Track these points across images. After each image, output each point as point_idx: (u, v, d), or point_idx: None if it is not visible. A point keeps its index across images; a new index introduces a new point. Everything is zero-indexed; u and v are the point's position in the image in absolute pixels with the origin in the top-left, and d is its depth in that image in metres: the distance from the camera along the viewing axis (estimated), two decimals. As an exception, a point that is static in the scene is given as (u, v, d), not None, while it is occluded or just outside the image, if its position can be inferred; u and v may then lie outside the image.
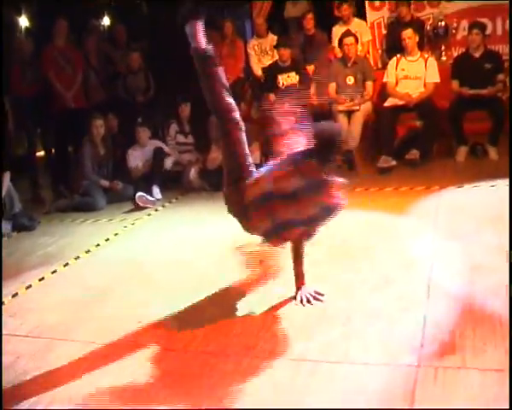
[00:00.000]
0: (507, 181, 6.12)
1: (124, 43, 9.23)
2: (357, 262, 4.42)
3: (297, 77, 8.20)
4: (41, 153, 8.82)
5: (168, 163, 7.78)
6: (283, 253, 4.09)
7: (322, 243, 4.39)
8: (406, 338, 3.30)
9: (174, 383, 3.15)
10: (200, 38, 4.04)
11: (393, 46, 8.30)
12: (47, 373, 3.38)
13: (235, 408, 2.75)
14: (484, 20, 8.19)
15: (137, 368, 3.34)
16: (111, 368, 3.38)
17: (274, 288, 4.17)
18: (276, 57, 8.54)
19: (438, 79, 7.62)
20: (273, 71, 8.35)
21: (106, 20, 12.09)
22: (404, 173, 7.08)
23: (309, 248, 3.90)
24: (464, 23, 8.39)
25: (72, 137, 8.35)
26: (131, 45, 9.12)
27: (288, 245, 3.87)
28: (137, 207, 6.96)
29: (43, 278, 4.98)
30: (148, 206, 7.01)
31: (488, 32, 8.16)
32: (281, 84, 8.22)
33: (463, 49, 7.94)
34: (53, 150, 8.72)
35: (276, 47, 8.42)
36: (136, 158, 7.77)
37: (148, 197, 7.11)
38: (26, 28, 11.94)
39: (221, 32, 9.01)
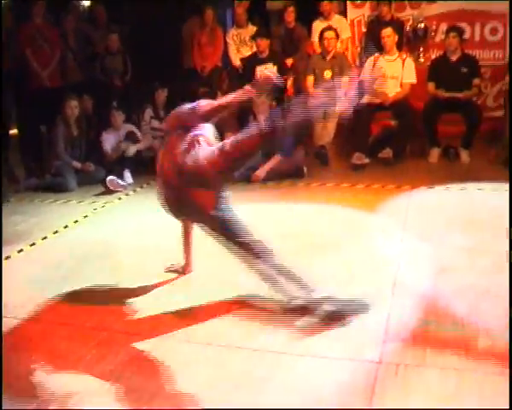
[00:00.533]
0: (477, 184, 6.23)
1: (103, 24, 9.14)
2: (325, 257, 4.44)
3: (274, 68, 8.18)
4: (14, 130, 8.71)
5: (132, 150, 7.68)
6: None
7: (290, 236, 4.41)
8: (369, 334, 3.33)
9: (137, 367, 3.14)
10: None
11: (372, 44, 8.33)
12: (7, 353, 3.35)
13: (234, 408, 2.74)
14: (463, 24, 8.27)
15: (101, 351, 3.32)
16: (74, 350, 3.36)
17: (240, 278, 4.17)
18: (255, 49, 8.53)
19: (414, 80, 7.67)
20: (251, 62, 8.33)
21: (86, 1, 11.96)
22: (376, 171, 7.12)
23: (277, 240, 3.90)
24: (443, 26, 8.42)
25: (46, 116, 8.26)
26: (111, 27, 9.04)
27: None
28: (108, 191, 6.91)
29: (8, 257, 4.93)
30: (119, 190, 6.96)
31: (466, 36, 8.25)
32: (258, 75, 8.18)
33: (441, 52, 8.00)
34: (26, 128, 8.62)
35: (254, 37, 8.39)
36: (110, 141, 7.70)
37: (119, 181, 7.06)
38: (6, 4, 11.78)
39: (202, 18, 8.98)
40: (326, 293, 3.55)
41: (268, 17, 9.67)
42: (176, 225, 4.77)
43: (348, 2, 9.10)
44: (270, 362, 3.11)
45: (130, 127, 7.88)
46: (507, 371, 2.85)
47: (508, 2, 8.18)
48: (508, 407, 2.60)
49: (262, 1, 9.69)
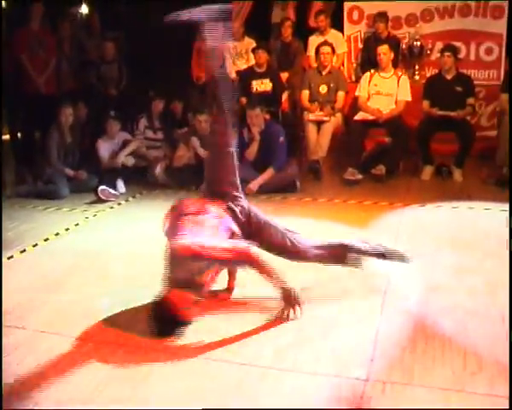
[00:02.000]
0: (469, 203, 6.24)
1: (98, 32, 9.16)
2: (315, 272, 4.42)
3: (270, 84, 8.21)
4: (6, 136, 8.70)
5: (127, 159, 7.68)
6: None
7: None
8: (357, 351, 3.32)
9: (122, 379, 3.12)
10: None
11: (368, 61, 8.38)
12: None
13: (234, 408, 2.73)
14: (458, 43, 8.36)
15: (85, 361, 3.30)
16: (61, 359, 3.34)
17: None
18: (251, 61, 8.55)
19: (409, 98, 7.70)
20: (248, 75, 8.35)
21: (83, 8, 11.99)
22: (368, 188, 7.12)
23: (266, 254, 3.89)
24: (439, 45, 8.49)
25: (39, 122, 8.25)
26: (106, 35, 9.05)
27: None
28: (100, 200, 6.89)
29: (-3, 264, 4.91)
30: (111, 199, 6.94)
31: (461, 56, 8.31)
32: (254, 89, 8.22)
33: (437, 71, 8.03)
34: (19, 134, 8.61)
35: (255, 50, 8.40)
36: (106, 149, 7.69)
37: (111, 191, 7.04)
38: (2, 8, 11.79)
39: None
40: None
41: (266, 30, 9.67)
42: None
43: (345, 16, 9.13)
44: (256, 376, 3.10)
45: (126, 136, 7.87)
46: (494, 391, 2.86)
47: (503, 22, 8.28)
48: (508, 407, 2.59)
49: (259, 15, 9.71)
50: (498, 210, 6.02)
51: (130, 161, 7.72)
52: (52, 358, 3.35)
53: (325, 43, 8.13)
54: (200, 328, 3.63)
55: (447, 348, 3.32)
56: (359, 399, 2.88)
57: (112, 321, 3.80)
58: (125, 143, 7.76)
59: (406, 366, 3.17)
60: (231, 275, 4.14)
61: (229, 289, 4.16)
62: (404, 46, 8.74)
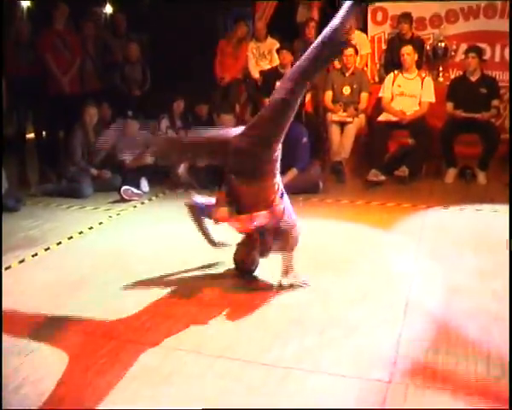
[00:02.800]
0: (493, 206, 6.19)
1: (123, 32, 9.20)
2: (338, 274, 4.43)
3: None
4: (31, 135, 8.77)
5: (148, 157, 7.69)
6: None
7: (304, 252, 4.40)
8: (380, 353, 3.31)
9: (146, 378, 3.14)
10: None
11: (392, 62, 8.34)
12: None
13: (234, 408, 2.74)
14: (483, 45, 8.28)
15: (110, 360, 3.33)
16: (84, 357, 3.36)
17: (254, 291, 4.19)
18: (274, 62, 8.55)
19: (433, 99, 7.66)
20: (272, 76, 8.33)
21: (107, 8, 12.08)
22: (391, 189, 7.10)
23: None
24: (464, 46, 8.41)
25: (64, 121, 8.32)
26: (131, 36, 9.09)
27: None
28: (123, 200, 6.93)
29: (23, 260, 4.96)
30: (134, 199, 6.98)
31: (486, 57, 8.25)
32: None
33: (461, 72, 7.99)
34: (43, 133, 8.68)
35: (279, 50, 8.39)
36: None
37: (134, 190, 7.07)
38: (28, 8, 11.91)
39: (233, 30, 9.06)
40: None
41: (291, 30, 9.66)
42: (189, 234, 4.81)
43: (370, 17, 9.11)
44: (279, 377, 3.10)
45: (146, 135, 7.88)
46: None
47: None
48: (508, 407, 2.58)
49: (284, 15, 9.71)
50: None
51: (150, 159, 7.72)
52: (75, 354, 3.39)
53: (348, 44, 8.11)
54: (223, 329, 3.66)
55: (470, 352, 3.31)
56: (382, 401, 2.88)
57: (136, 320, 3.82)
58: (146, 143, 7.78)
59: (429, 369, 3.16)
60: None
61: None
62: (428, 47, 8.68)
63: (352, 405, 2.86)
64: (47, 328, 3.73)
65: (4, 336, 3.50)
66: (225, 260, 4.68)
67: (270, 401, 2.90)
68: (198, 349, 3.41)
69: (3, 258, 4.87)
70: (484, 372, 3.10)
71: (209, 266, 4.73)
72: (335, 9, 3.91)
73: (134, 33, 9.25)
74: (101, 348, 3.46)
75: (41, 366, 3.26)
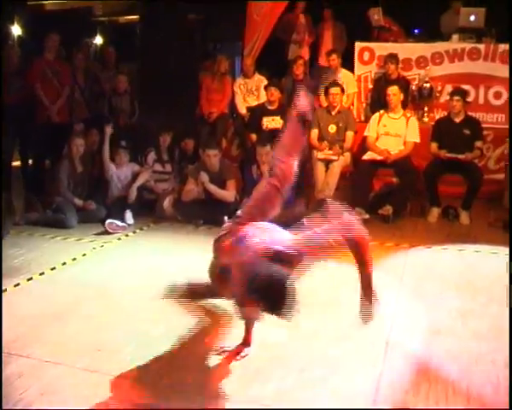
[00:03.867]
0: (475, 246, 6.24)
1: (112, 64, 9.29)
2: (320, 312, 4.44)
3: (281, 122, 8.27)
4: (17, 162, 8.77)
5: (134, 191, 7.72)
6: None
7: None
8: (360, 393, 3.33)
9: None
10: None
11: (378, 101, 8.45)
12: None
13: (235, 408, 2.73)
14: (467, 86, 8.42)
15: (88, 393, 3.32)
16: (63, 389, 3.35)
17: (234, 329, 4.19)
18: (261, 98, 8.62)
19: (418, 139, 7.74)
20: (259, 112, 8.41)
21: (97, 39, 12.17)
22: (375, 227, 7.08)
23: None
24: (449, 87, 8.56)
25: (51, 150, 8.34)
26: (120, 67, 9.17)
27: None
28: (107, 232, 6.92)
29: (5, 290, 4.93)
30: (119, 232, 6.97)
31: (470, 99, 8.37)
32: (264, 126, 8.28)
33: (446, 113, 8.09)
34: (30, 161, 8.70)
35: (267, 87, 8.46)
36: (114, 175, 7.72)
37: (119, 223, 7.06)
38: (19, 37, 11.98)
39: (214, 65, 9.14)
40: None
41: (280, 67, 9.77)
42: (173, 267, 4.81)
43: (356, 56, 9.24)
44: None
45: (134, 167, 7.90)
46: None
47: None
48: (508, 408, 2.59)
49: (273, 52, 9.83)
50: (504, 254, 6.03)
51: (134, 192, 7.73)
52: (56, 388, 3.37)
53: (335, 83, 8.21)
54: (204, 365, 3.66)
55: (450, 393, 3.33)
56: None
57: (117, 354, 3.81)
58: (134, 175, 7.80)
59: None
60: (249, 328, 3.82)
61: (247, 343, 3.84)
62: (413, 88, 8.82)
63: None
64: (27, 360, 3.71)
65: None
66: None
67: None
68: (177, 386, 3.41)
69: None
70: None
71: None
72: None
73: (123, 64, 9.33)
74: (82, 382, 3.45)
75: (21, 398, 3.24)
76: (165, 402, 3.22)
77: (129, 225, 7.26)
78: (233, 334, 4.03)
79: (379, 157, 7.69)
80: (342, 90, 8.18)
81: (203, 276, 4.67)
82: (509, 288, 4.21)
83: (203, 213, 7.26)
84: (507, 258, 5.89)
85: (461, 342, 3.98)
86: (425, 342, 3.99)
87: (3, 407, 2.82)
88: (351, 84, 8.93)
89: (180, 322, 4.31)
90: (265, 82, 8.78)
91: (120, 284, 5.14)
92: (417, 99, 8.79)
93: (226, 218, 7.12)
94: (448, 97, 8.11)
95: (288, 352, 3.65)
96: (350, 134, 8.07)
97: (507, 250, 6.05)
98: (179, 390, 3.36)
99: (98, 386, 3.40)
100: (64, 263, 5.75)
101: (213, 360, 3.73)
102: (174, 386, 3.41)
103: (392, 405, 3.21)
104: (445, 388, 3.39)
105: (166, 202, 7.62)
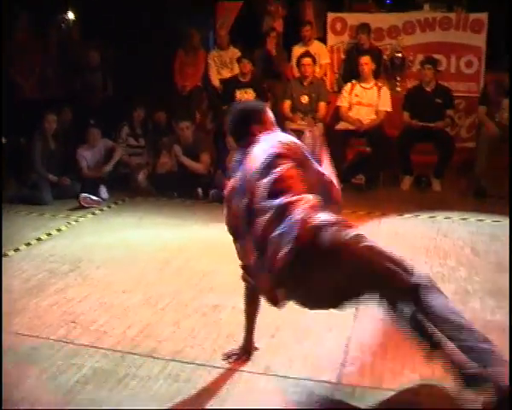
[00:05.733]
0: (446, 213, 6.34)
1: (83, 39, 9.24)
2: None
3: (254, 94, 8.29)
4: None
5: (107, 168, 7.76)
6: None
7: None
8: (329, 356, 3.40)
9: (101, 381, 3.18)
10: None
11: (350, 72, 8.48)
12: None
13: (235, 408, 2.78)
14: (439, 56, 8.48)
15: (63, 363, 3.37)
16: (38, 361, 3.40)
17: (207, 296, 4.26)
18: (235, 71, 8.62)
19: (390, 108, 7.82)
20: (232, 85, 8.42)
21: (69, 15, 12.03)
22: (348, 197, 7.13)
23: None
24: (420, 57, 8.59)
25: (25, 128, 8.31)
26: (91, 42, 9.11)
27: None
28: (82, 207, 6.94)
29: (-20, 267, 4.96)
30: (93, 206, 6.99)
31: (442, 68, 8.44)
32: (237, 98, 8.29)
33: (417, 82, 8.16)
34: (3, 139, 8.65)
35: (239, 59, 8.47)
36: (86, 158, 7.72)
37: (93, 198, 7.08)
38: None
39: (186, 40, 9.11)
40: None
41: (254, 39, 9.73)
42: (147, 241, 4.86)
43: (329, 27, 9.24)
44: (230, 379, 3.17)
45: (107, 142, 7.90)
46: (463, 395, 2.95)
47: (483, 36, 8.43)
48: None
49: (247, 23, 9.78)
50: (475, 220, 6.16)
51: (108, 169, 7.75)
52: (31, 360, 3.42)
53: (306, 54, 8.23)
54: (177, 332, 3.72)
55: (417, 354, 3.40)
56: (329, 402, 2.96)
57: (92, 324, 3.86)
58: (108, 151, 7.81)
59: (376, 370, 3.26)
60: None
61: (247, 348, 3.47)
62: (385, 57, 8.86)
63: (300, 405, 2.94)
64: (3, 334, 3.74)
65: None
66: (181, 264, 4.76)
67: (221, 402, 2.97)
68: (152, 353, 3.47)
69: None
70: (429, 373, 3.20)
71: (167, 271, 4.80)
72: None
73: (95, 40, 9.27)
74: (57, 352, 3.50)
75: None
76: (137, 371, 3.28)
77: (103, 199, 7.29)
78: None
79: (351, 127, 7.77)
80: (314, 61, 8.20)
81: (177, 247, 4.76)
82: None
83: (177, 186, 7.31)
84: (477, 224, 6.04)
85: (429, 305, 4.07)
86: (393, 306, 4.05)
87: (4, 407, 2.85)
88: (323, 54, 8.94)
89: (155, 292, 4.38)
90: (239, 54, 8.77)
91: (95, 257, 5.18)
92: (389, 69, 8.83)
93: (200, 190, 7.24)
94: (420, 67, 8.17)
95: (260, 317, 3.70)
96: (322, 104, 8.12)
97: (477, 216, 6.20)
98: (155, 357, 3.42)
99: (73, 356, 3.45)
100: (39, 239, 5.78)
101: (188, 327, 3.79)
102: (150, 353, 3.47)
103: (360, 367, 3.29)
104: (412, 350, 3.47)
105: (141, 176, 7.65)
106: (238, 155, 3.24)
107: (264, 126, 3.29)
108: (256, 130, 3.25)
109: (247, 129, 3.26)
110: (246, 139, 3.24)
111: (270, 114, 3.39)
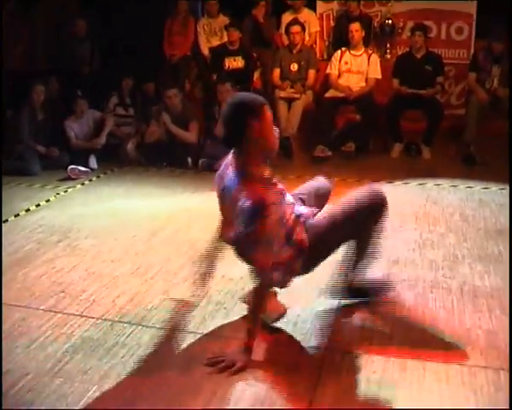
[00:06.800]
0: (436, 180, 6.36)
1: (73, 10, 9.15)
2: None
3: (243, 61, 8.25)
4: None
5: (100, 141, 7.71)
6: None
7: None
8: (319, 322, 3.41)
9: (90, 350, 3.19)
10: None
11: (340, 39, 8.43)
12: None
13: (237, 408, 2.79)
14: (429, 23, 8.43)
15: (53, 332, 3.37)
16: (28, 331, 3.40)
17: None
18: (225, 39, 8.56)
19: (379, 76, 7.79)
20: (220, 53, 8.37)
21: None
22: (338, 164, 7.21)
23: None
24: (410, 24, 8.53)
25: (11, 99, 8.24)
26: (80, 13, 9.03)
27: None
28: (70, 178, 6.91)
29: (-31, 238, 4.94)
30: (82, 177, 6.95)
31: (432, 35, 8.40)
32: (226, 66, 8.25)
33: (407, 49, 8.11)
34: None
35: (227, 27, 8.40)
36: (74, 129, 7.66)
37: (81, 168, 7.03)
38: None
39: (175, 8, 9.03)
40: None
41: (243, 6, 9.62)
42: (135, 210, 4.84)
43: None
44: (219, 346, 3.18)
45: (95, 113, 7.84)
46: (451, 361, 2.97)
47: (474, 2, 8.38)
48: (508, 407, 2.67)
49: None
50: (464, 187, 6.18)
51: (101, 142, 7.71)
52: (21, 330, 3.42)
53: (295, 21, 8.16)
54: (167, 301, 3.72)
55: (406, 318, 3.43)
56: (319, 368, 2.98)
57: (82, 294, 3.86)
58: (96, 122, 7.75)
59: (365, 336, 3.28)
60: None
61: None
62: (375, 24, 8.81)
63: (290, 371, 2.96)
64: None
65: None
66: (170, 233, 4.75)
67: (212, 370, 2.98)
68: (141, 322, 3.48)
69: None
70: (418, 338, 3.22)
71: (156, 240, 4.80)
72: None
73: (84, 10, 9.19)
74: (46, 322, 3.49)
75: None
76: (126, 339, 3.28)
77: (93, 169, 7.26)
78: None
79: (341, 94, 7.74)
80: (303, 29, 8.14)
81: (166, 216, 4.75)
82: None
83: (166, 156, 7.29)
84: (466, 190, 6.06)
85: (417, 271, 4.09)
86: (383, 271, 4.06)
87: (3, 407, 2.85)
88: (313, 22, 8.86)
89: (144, 261, 4.38)
90: (228, 22, 8.70)
91: (84, 227, 5.17)
92: (379, 36, 8.78)
93: (189, 159, 7.22)
94: (410, 34, 8.13)
95: (248, 286, 3.71)
96: (312, 72, 8.08)
97: (467, 183, 6.23)
98: (145, 326, 3.43)
99: (62, 326, 3.44)
100: (28, 209, 5.75)
101: (176, 295, 3.80)
102: (139, 322, 3.47)
103: (350, 332, 3.31)
104: (402, 314, 3.50)
105: (130, 146, 7.61)
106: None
107: (263, 125, 3.11)
108: (254, 128, 3.07)
109: (243, 123, 3.05)
110: (240, 140, 3.12)
111: (270, 113, 3.18)
